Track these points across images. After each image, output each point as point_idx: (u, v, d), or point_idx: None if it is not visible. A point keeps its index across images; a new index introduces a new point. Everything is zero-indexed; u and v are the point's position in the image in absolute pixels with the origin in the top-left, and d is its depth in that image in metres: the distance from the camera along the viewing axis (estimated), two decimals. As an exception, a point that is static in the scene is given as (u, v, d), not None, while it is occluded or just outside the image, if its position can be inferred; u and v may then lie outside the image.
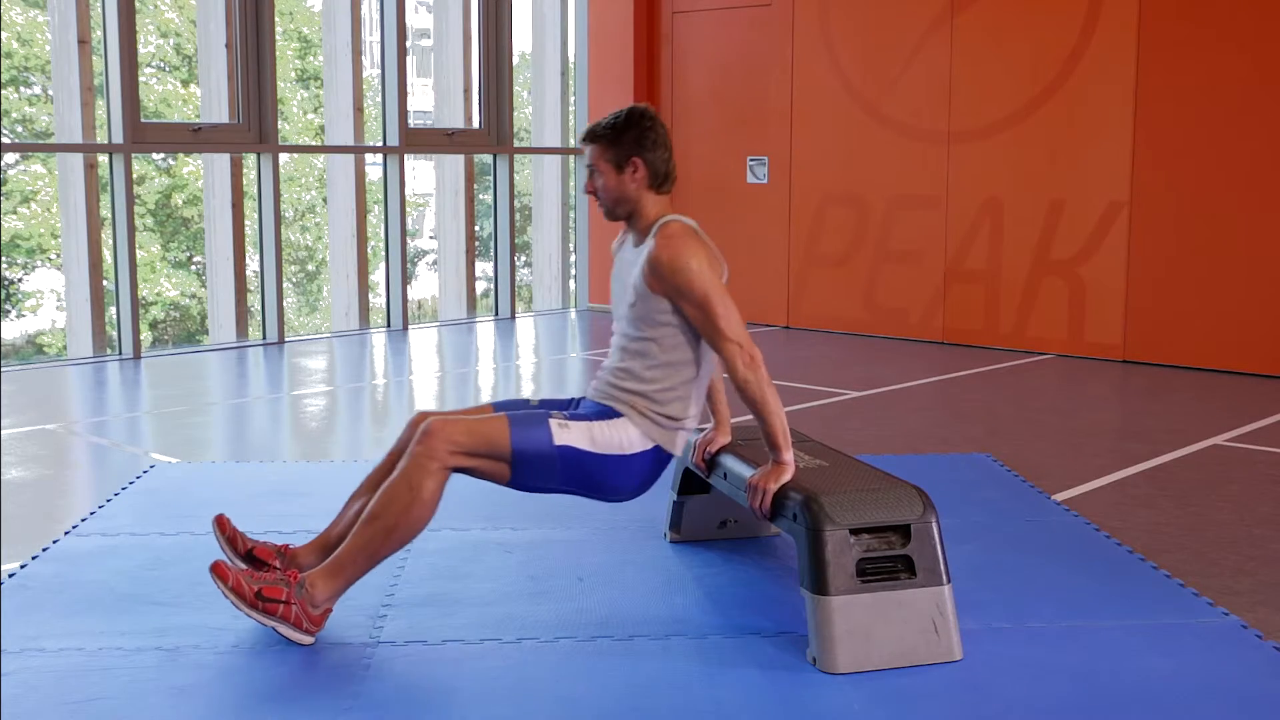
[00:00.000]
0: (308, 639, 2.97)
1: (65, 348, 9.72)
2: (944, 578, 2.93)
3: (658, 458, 3.20)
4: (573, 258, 10.34)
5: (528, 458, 3.05)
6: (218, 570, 2.93)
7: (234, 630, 3.08)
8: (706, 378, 3.27)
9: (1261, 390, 6.62)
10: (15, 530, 4.02)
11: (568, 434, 3.08)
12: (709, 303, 3.04)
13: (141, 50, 13.93)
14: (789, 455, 3.06)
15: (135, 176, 11.92)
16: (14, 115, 15.73)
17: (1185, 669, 2.89)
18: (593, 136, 3.21)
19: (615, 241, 3.45)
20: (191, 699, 2.70)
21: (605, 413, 3.17)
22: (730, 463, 3.34)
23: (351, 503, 3.22)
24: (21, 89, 16.23)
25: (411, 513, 2.96)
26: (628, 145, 3.18)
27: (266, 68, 8.02)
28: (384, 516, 2.96)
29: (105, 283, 8.43)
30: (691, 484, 3.70)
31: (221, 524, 3.21)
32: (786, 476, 3.05)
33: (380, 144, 8.93)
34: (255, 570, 3.06)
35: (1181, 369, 7.28)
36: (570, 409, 3.30)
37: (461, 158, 9.61)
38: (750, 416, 3.16)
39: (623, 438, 3.13)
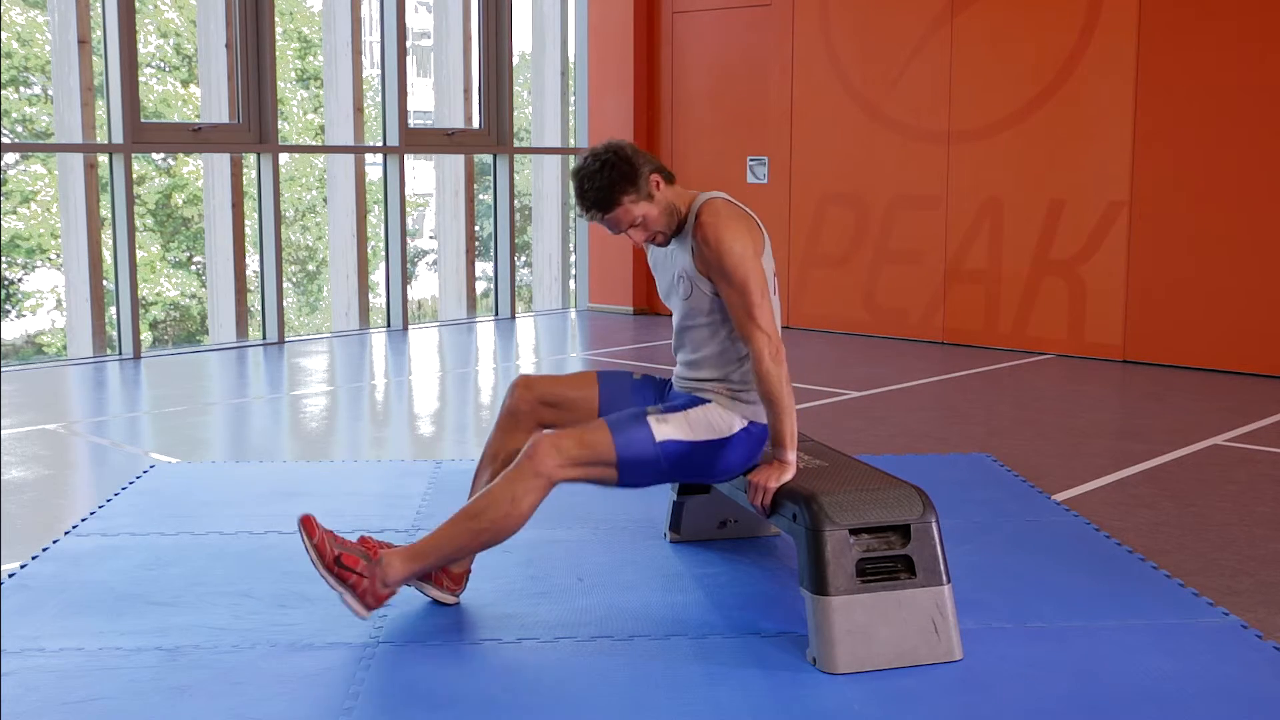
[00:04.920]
0: (365, 613, 3.02)
1: (65, 348, 9.71)
2: (944, 578, 2.93)
3: (753, 432, 3.22)
4: (573, 258, 10.34)
5: (633, 460, 3.10)
6: (306, 524, 3.01)
7: (234, 630, 3.08)
8: None
9: (1261, 390, 6.62)
10: (15, 530, 4.02)
11: (667, 428, 3.13)
12: (747, 289, 3.05)
13: (141, 50, 13.92)
14: (792, 455, 3.08)
15: (135, 176, 11.92)
16: (14, 115, 15.73)
17: (1185, 669, 2.89)
18: (615, 197, 3.09)
19: None
20: (191, 699, 2.70)
21: (695, 401, 3.22)
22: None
23: (479, 475, 3.32)
24: (21, 89, 16.23)
25: (506, 522, 3.02)
26: (636, 173, 3.11)
27: (266, 68, 8.02)
28: (479, 519, 3.02)
29: (105, 283, 8.43)
30: (691, 484, 3.70)
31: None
32: (788, 475, 3.06)
33: (380, 144, 8.93)
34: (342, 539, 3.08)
35: (1181, 369, 7.28)
36: (667, 392, 3.36)
37: (461, 158, 9.61)
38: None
39: (718, 422, 3.17)
